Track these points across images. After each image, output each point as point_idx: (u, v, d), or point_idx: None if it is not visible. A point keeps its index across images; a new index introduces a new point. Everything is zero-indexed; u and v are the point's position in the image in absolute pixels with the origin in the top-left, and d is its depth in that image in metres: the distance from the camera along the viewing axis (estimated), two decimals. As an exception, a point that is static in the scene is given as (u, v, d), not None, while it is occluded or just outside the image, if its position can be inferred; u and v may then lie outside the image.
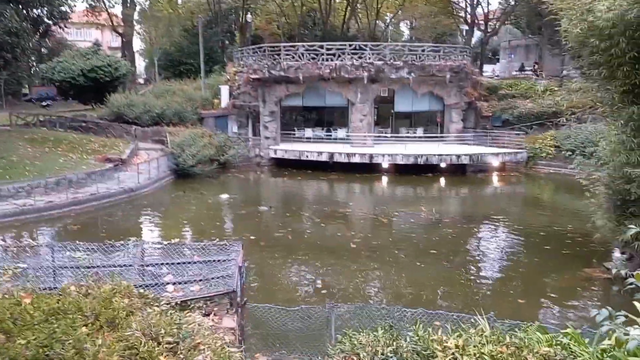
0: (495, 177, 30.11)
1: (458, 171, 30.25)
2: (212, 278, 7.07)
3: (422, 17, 57.62)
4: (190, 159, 28.38)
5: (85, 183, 23.56)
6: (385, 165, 29.98)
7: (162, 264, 7.67)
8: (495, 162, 30.49)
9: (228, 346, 5.71)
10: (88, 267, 7.28)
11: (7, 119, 34.19)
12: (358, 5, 56.22)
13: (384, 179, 29.48)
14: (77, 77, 39.61)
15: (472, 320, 7.22)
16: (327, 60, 32.05)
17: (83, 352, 4.45)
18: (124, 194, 23.57)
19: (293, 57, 32.64)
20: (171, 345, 5.04)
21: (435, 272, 14.87)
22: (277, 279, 14.27)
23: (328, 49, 32.43)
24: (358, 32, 56.74)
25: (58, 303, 5.13)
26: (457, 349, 5.37)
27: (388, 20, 62.28)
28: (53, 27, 50.77)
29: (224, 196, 24.68)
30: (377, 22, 59.52)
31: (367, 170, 29.68)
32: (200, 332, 5.41)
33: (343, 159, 30.28)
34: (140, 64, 77.65)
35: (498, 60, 59.82)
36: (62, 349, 4.28)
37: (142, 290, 6.42)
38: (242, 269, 7.71)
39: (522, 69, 48.05)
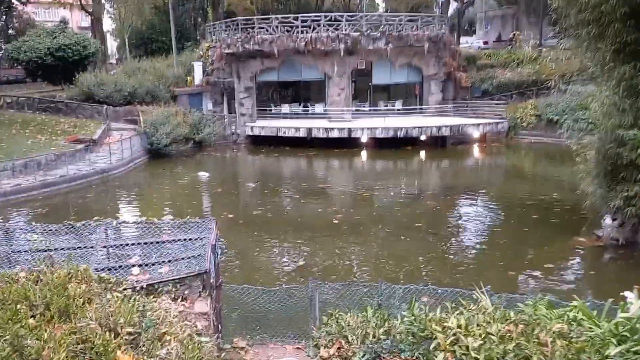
0: (476, 149, 29.73)
1: (438, 143, 29.80)
2: (183, 259, 6.39)
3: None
4: (164, 138, 27.36)
5: (55, 165, 22.50)
6: (364, 139, 29.36)
7: (127, 244, 6.95)
8: (476, 133, 30.08)
9: (198, 334, 5.09)
10: (45, 251, 6.55)
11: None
12: (333, -22, 54.98)
13: (364, 154, 28.90)
14: (44, 57, 37.82)
15: (468, 295, 6.69)
16: (302, 32, 31.05)
17: (24, 350, 3.77)
18: (96, 175, 22.60)
19: (267, 31, 31.58)
20: (132, 337, 4.38)
21: (420, 245, 14.40)
22: (257, 258, 13.64)
23: (303, 21, 31.40)
24: (333, 6, 55.45)
25: (-3, 292, 4.40)
26: (460, 329, 4.82)
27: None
28: (19, 6, 48.75)
29: (203, 174, 23.83)
30: (352, -5, 58.37)
31: (347, 145, 29.04)
32: (167, 320, 4.76)
33: (321, 135, 29.56)
34: (112, 44, 75.31)
35: (475, 32, 59.33)
36: (-3, 347, 3.59)
37: (104, 274, 5.74)
38: (216, 248, 7.04)
39: (499, 39, 47.62)
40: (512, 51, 36.11)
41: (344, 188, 22.61)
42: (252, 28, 32.01)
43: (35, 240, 6.80)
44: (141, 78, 34.53)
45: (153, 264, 6.27)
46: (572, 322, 4.85)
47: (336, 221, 16.49)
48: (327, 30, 31.13)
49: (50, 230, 7.10)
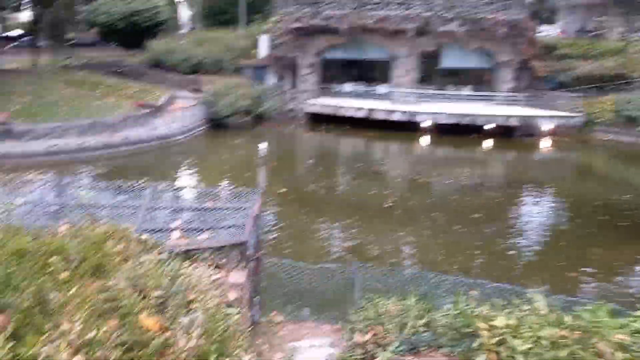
0: (545, 142, 28.22)
1: (505, 134, 28.46)
2: (223, 227, 6.23)
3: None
4: (225, 109, 27.59)
5: (119, 127, 23.16)
6: (427, 124, 28.49)
7: (171, 208, 6.87)
8: (546, 126, 28.49)
9: (229, 306, 4.92)
10: (90, 207, 6.58)
11: (50, 61, 34.23)
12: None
13: (425, 139, 28.07)
14: (117, 21, 39.00)
15: (521, 294, 6.19)
16: (371, 10, 30.31)
17: (47, 303, 3.68)
18: (157, 141, 23.12)
19: (336, 7, 31.04)
20: (160, 301, 4.24)
21: (475, 238, 13.75)
22: (305, 235, 13.49)
23: (374, -1, 30.63)
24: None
25: (29, 244, 4.36)
26: (508, 330, 4.39)
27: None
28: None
29: (262, 147, 23.90)
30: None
31: (408, 128, 28.28)
32: (198, 288, 4.60)
33: (382, 116, 28.92)
34: (185, 13, 76.78)
35: (555, 20, 56.16)
36: (19, 297, 3.50)
37: (143, 236, 5.67)
38: (258, 220, 6.86)
39: (582, 29, 44.79)
40: (595, 42, 33.84)
41: (400, 172, 22.07)
42: (321, 3, 31.55)
43: (83, 196, 6.85)
44: (209, 48, 34.92)
45: (193, 230, 6.16)
46: (636, 334, 4.31)
47: (389, 205, 16.07)
48: (398, 9, 30.23)
49: (99, 188, 7.15)
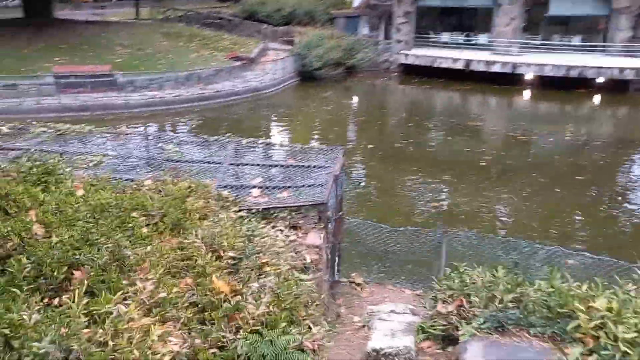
0: (666, 98, 25.34)
1: (618, 88, 25.85)
2: (303, 186, 6.07)
3: None
4: (316, 61, 27.29)
5: (212, 79, 23.68)
6: (529, 76, 26.50)
7: (254, 164, 6.81)
8: (668, 80, 25.50)
9: (306, 267, 4.78)
10: (176, 161, 6.67)
11: (150, 13, 35.50)
12: None
13: (527, 93, 26.20)
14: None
15: (627, 271, 5.55)
16: (474, -47, 28.19)
17: (124, 260, 3.72)
18: (248, 93, 23.41)
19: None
20: (234, 262, 4.18)
21: (578, 202, 12.72)
22: (392, 194, 13.14)
23: (477, -60, 28.40)
24: None
25: (111, 199, 4.42)
26: (610, 313, 3.90)
27: None
28: None
29: (352, 100, 23.52)
30: None
31: (508, 81, 26.49)
32: (272, 249, 4.49)
33: (481, 68, 27.25)
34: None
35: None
36: (96, 253, 3.55)
37: (224, 192, 5.64)
38: (340, 179, 6.62)
39: None
40: None
41: (499, 128, 20.81)
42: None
43: (169, 150, 6.96)
44: (302, -2, 34.50)
45: (274, 188, 6.05)
46: None
47: (483, 163, 15.23)
48: (503, -50, 27.85)
49: (187, 142, 7.23)
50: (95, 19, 32.24)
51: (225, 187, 5.89)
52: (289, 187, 6.07)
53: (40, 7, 25.66)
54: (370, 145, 16.85)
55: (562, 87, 25.47)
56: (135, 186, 5.28)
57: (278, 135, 19.32)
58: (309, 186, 6.04)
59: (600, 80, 25.63)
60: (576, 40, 30.19)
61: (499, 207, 12.48)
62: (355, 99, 24.13)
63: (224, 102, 22.03)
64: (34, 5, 25.76)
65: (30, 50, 21.74)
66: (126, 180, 5.69)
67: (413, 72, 29.66)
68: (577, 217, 11.85)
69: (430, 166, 15.22)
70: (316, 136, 18.95)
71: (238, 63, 26.14)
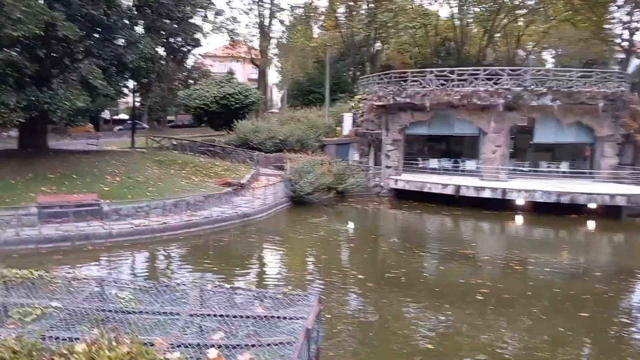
0: (660, 224, 25.07)
1: (611, 214, 25.69)
2: (269, 344, 5.27)
3: (570, 44, 52.45)
4: (307, 186, 27.39)
5: (201, 206, 23.39)
6: (520, 202, 26.45)
7: (217, 315, 6.04)
8: (660, 206, 25.43)
9: None
10: (128, 313, 5.92)
11: (145, 143, 36.32)
12: (496, 34, 52.74)
13: (519, 218, 25.95)
14: (210, 104, 41.24)
15: None
16: (457, 86, 29.53)
17: None
18: (238, 219, 23.00)
19: (420, 84, 30.62)
20: None
21: (584, 338, 11.70)
22: (383, 331, 12.11)
23: (459, 75, 29.91)
24: (495, 61, 53.00)
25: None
26: None
27: (530, 48, 57.70)
28: (198, 61, 54.51)
29: (343, 225, 23.24)
30: (517, 50, 55.33)
31: (499, 207, 26.38)
32: None
33: (471, 193, 27.30)
34: (277, 94, 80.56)
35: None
36: None
37: (175, 356, 4.82)
38: (315, 333, 5.83)
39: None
40: None
41: (493, 256, 20.14)
42: (405, 81, 31.32)
43: (123, 299, 6.23)
44: (293, 126, 35.60)
45: (234, 347, 5.23)
46: None
47: (480, 296, 14.34)
48: (486, 84, 29.24)
49: (143, 288, 6.53)
50: (91, 148, 32.82)
51: (179, 346, 5.11)
52: (252, 345, 5.27)
53: (35, 137, 26.09)
54: (360, 276, 16.06)
55: (554, 212, 25.31)
56: (65, 352, 4.48)
57: (264, 261, 18.55)
58: (276, 345, 5.25)
59: (592, 206, 25.56)
60: (564, 167, 30.76)
61: (503, 346, 11.40)
62: (351, 224, 23.87)
63: (212, 228, 21.52)
64: (29, 135, 26.22)
65: (17, 180, 21.61)
66: (63, 340, 4.92)
67: (403, 197, 29.69)
68: (584, 355, 10.78)
69: (423, 299, 14.33)
70: (302, 263, 18.22)
71: (228, 189, 26.09)
